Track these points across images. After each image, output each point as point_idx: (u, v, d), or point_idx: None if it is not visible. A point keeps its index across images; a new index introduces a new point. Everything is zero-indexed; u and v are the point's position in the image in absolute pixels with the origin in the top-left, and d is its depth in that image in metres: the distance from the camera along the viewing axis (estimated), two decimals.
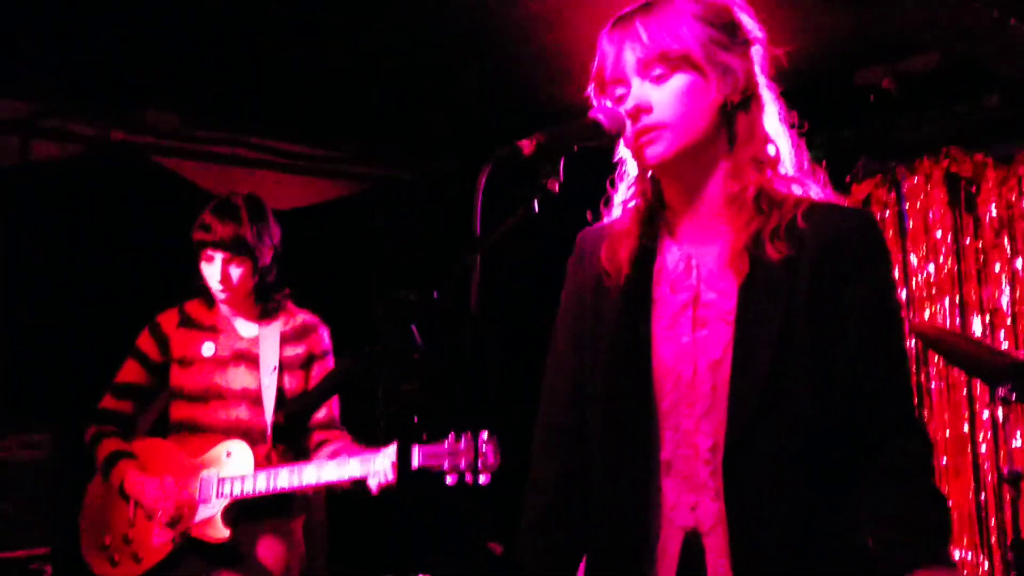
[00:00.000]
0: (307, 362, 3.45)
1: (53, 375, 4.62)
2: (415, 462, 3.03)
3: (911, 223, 4.95)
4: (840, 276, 1.65)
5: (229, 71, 4.64)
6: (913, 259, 4.91)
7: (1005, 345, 4.59)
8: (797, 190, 1.73)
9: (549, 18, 4.13)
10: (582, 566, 1.81)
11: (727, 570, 1.64)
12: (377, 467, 3.11)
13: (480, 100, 5.05)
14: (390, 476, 3.09)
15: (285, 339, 3.43)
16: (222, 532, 3.26)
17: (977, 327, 4.79)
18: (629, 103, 1.68)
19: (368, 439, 3.42)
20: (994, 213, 4.81)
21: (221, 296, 3.39)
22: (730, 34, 1.71)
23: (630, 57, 1.69)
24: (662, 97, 1.67)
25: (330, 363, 3.50)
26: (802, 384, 1.63)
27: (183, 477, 3.31)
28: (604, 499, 1.75)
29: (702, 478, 1.67)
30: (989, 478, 4.67)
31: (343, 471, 3.18)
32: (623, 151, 1.81)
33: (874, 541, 1.62)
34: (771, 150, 1.73)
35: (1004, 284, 4.78)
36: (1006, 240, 4.78)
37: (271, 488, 3.24)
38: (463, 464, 3.01)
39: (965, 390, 4.77)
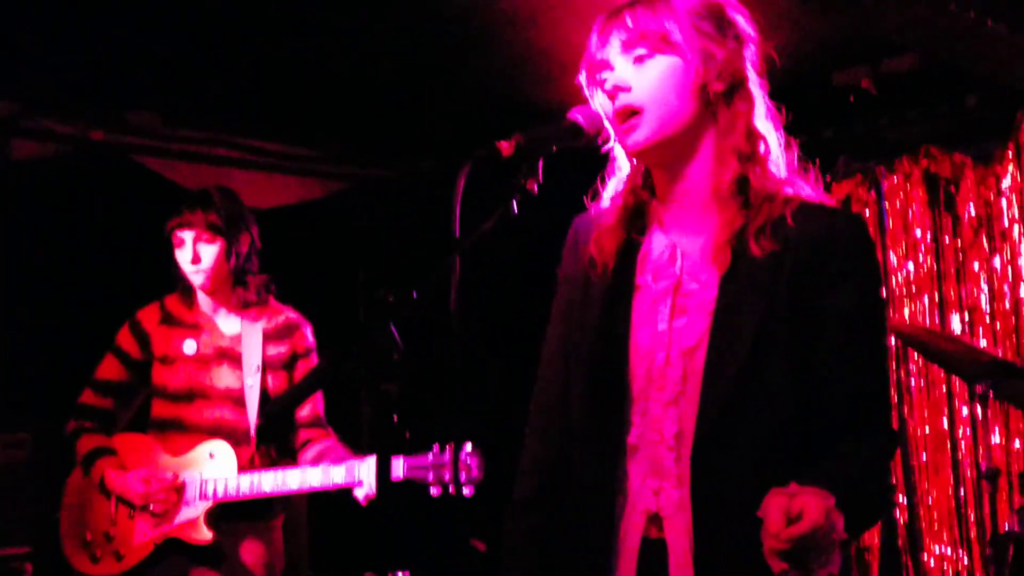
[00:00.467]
0: (291, 361, 3.44)
1: (34, 374, 4.60)
2: (400, 473, 3.03)
3: (891, 222, 4.98)
4: (825, 277, 1.67)
5: (210, 70, 4.63)
6: (893, 258, 4.95)
7: (984, 343, 4.63)
8: (788, 190, 1.74)
9: (532, 18, 4.14)
10: None
11: (687, 555, 1.65)
12: (362, 476, 3.09)
13: (463, 100, 5.06)
14: (375, 488, 3.08)
15: (268, 337, 3.42)
16: (205, 534, 3.25)
17: (956, 325, 4.82)
18: (609, 83, 1.70)
19: (352, 438, 3.42)
20: (973, 212, 4.85)
21: (196, 280, 3.36)
22: (718, 27, 1.74)
23: (615, 41, 1.72)
24: (641, 77, 1.69)
25: (314, 361, 3.48)
26: (776, 380, 1.65)
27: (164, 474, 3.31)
28: (575, 479, 1.77)
29: (666, 464, 1.68)
30: (968, 474, 4.71)
31: (327, 478, 3.17)
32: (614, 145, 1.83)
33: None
34: (759, 146, 1.74)
35: (983, 282, 4.81)
36: (984, 239, 4.82)
37: (254, 492, 3.23)
38: (447, 476, 3.02)
39: (944, 387, 4.81)
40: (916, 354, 4.75)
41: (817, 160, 1.84)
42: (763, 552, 1.46)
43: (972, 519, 4.70)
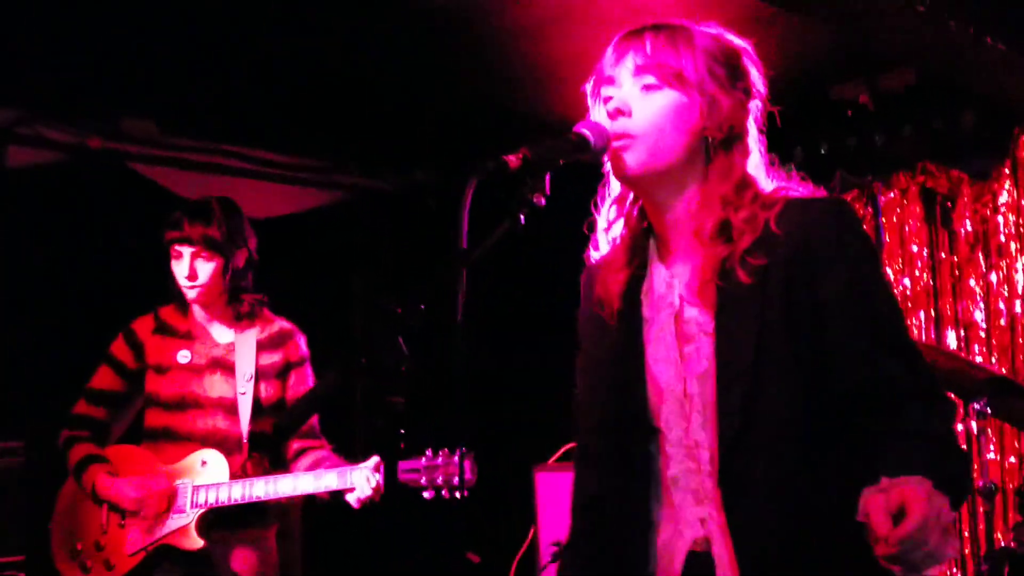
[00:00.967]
0: (284, 370, 3.44)
1: (28, 382, 4.58)
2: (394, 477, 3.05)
3: (887, 237, 4.99)
4: (813, 270, 1.66)
5: (208, 79, 4.63)
6: (889, 273, 4.96)
7: (979, 359, 4.64)
8: (772, 196, 1.74)
9: (532, 32, 4.15)
10: None
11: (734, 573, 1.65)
12: (356, 481, 3.11)
13: (461, 111, 5.06)
14: (368, 491, 3.09)
15: (261, 347, 3.42)
16: (196, 542, 3.24)
17: (952, 341, 4.84)
18: (612, 103, 1.71)
19: (345, 448, 3.41)
20: (969, 228, 4.86)
21: (190, 295, 3.36)
22: (731, 76, 1.75)
23: (629, 63, 1.72)
24: (645, 106, 1.70)
25: (307, 371, 3.49)
26: (786, 388, 1.65)
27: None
28: (613, 519, 1.77)
29: (708, 490, 1.69)
30: None
31: (320, 483, 3.18)
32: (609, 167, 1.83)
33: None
34: (747, 194, 1.73)
35: (978, 298, 4.83)
36: (980, 255, 4.84)
37: (246, 498, 3.22)
38: (440, 480, 3.05)
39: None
40: None
41: (814, 175, 1.84)
42: (871, 557, 1.41)
43: (967, 535, 4.70)
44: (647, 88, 1.71)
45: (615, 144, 1.70)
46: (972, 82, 4.31)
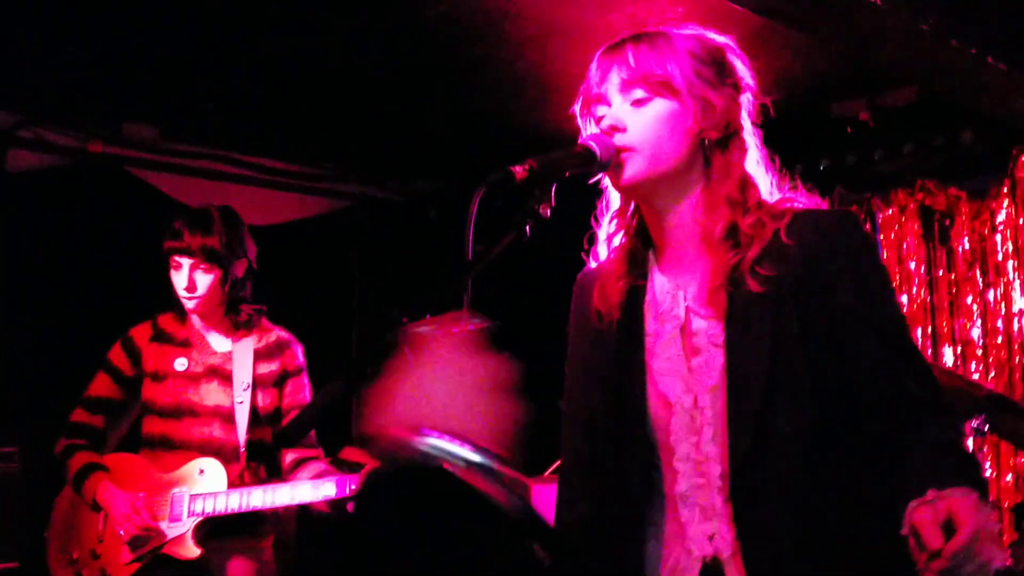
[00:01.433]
0: (280, 379, 3.44)
1: (25, 386, 4.57)
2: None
3: (885, 254, 5.00)
4: (826, 282, 1.66)
5: (209, 85, 4.64)
6: None
7: (976, 377, 4.64)
8: (780, 207, 1.74)
9: (532, 43, 4.16)
10: None
11: None
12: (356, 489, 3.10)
13: (463, 121, 5.07)
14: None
15: (259, 356, 3.41)
16: (193, 551, 3.23)
17: (949, 358, 4.84)
18: (605, 121, 1.70)
19: (337, 451, 3.41)
20: (967, 246, 4.87)
21: (188, 305, 3.36)
22: (718, 74, 1.74)
23: (615, 78, 1.71)
24: (638, 120, 1.69)
25: (304, 380, 3.48)
26: (799, 400, 1.64)
27: (154, 493, 3.28)
28: (618, 537, 1.75)
29: (717, 505, 1.67)
30: None
31: (318, 492, 3.17)
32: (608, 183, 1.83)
33: (898, 501, 1.55)
34: (750, 194, 1.74)
35: (975, 316, 4.83)
36: (978, 273, 4.85)
37: (244, 507, 3.22)
38: None
39: None
40: None
41: (813, 191, 1.84)
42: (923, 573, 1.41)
43: None
44: (637, 103, 1.70)
45: (621, 156, 1.69)
46: (972, 101, 4.32)
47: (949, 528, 1.41)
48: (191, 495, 3.26)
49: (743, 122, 1.76)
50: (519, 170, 1.56)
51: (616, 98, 1.71)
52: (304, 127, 5.21)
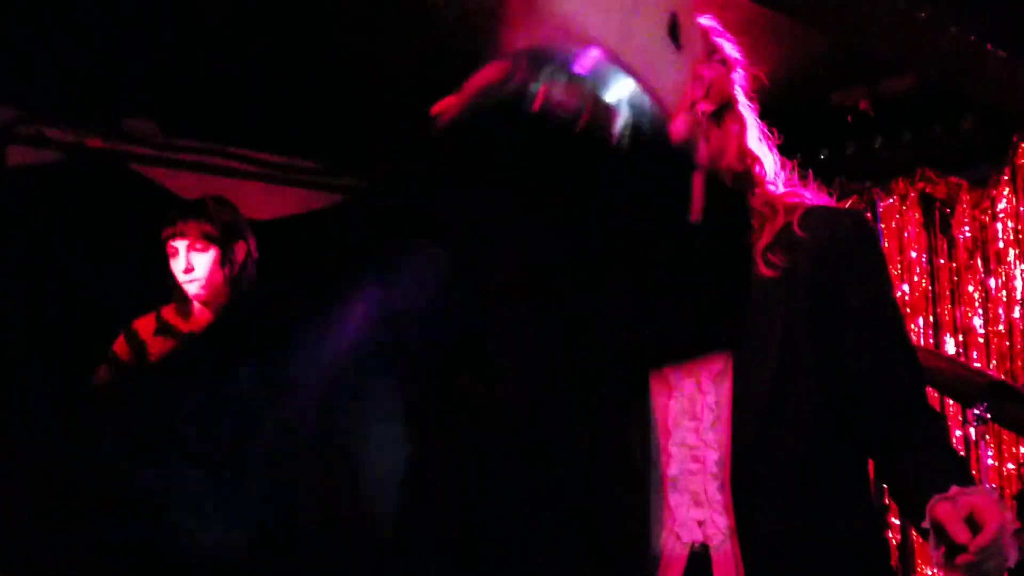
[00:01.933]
0: None
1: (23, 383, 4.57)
2: None
3: (886, 243, 5.00)
4: (838, 280, 1.68)
5: (209, 80, 4.63)
6: None
7: (977, 365, 4.64)
8: (790, 200, 1.74)
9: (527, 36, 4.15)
10: None
11: None
12: None
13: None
14: None
15: None
16: None
17: (951, 346, 4.84)
18: None
19: None
20: (968, 234, 4.87)
21: (191, 289, 3.35)
22: (704, 51, 1.73)
23: None
24: None
25: None
26: (806, 392, 1.65)
27: None
28: (605, 519, 1.74)
29: (710, 492, 1.67)
30: None
31: None
32: None
33: (906, 495, 1.65)
34: (754, 167, 1.74)
35: (977, 304, 4.83)
36: (979, 261, 4.84)
37: None
38: None
39: (938, 408, 4.81)
40: None
41: (813, 181, 1.84)
42: (945, 570, 1.46)
43: None
44: None
45: None
46: (972, 89, 4.31)
47: (974, 525, 1.45)
48: None
49: (736, 95, 1.75)
50: None
51: None
52: (304, 121, 5.20)
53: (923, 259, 4.97)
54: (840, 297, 1.67)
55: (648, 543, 1.70)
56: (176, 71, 4.51)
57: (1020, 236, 4.75)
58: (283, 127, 5.27)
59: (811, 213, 1.71)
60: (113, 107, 4.96)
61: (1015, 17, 3.86)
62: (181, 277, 3.35)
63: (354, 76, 4.62)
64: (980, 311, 4.81)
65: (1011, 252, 4.75)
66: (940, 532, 1.47)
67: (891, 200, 5.01)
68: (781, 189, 1.76)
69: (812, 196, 1.77)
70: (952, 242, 4.91)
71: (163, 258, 3.40)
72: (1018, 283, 4.74)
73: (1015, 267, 4.74)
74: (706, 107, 1.71)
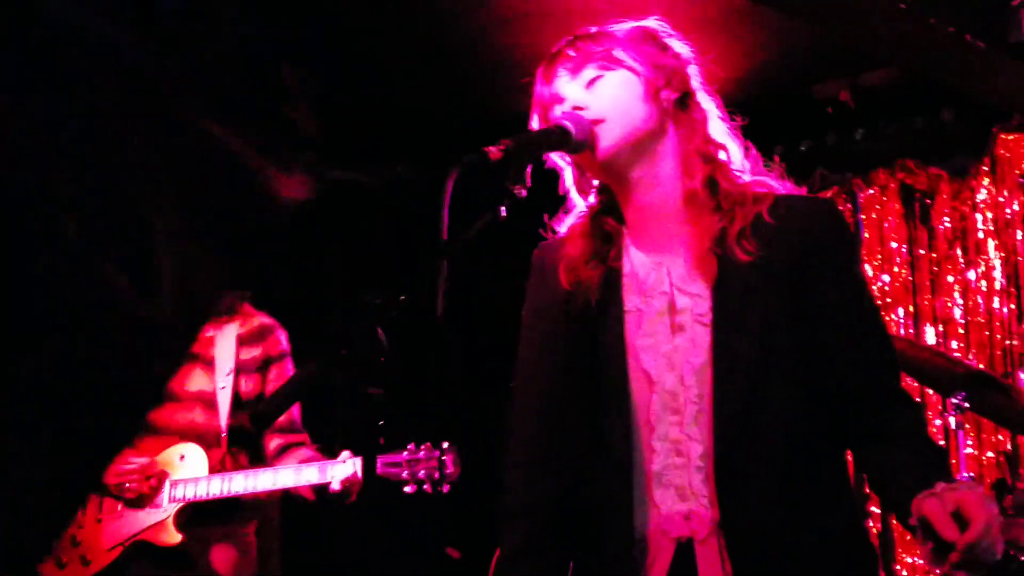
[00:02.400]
0: (264, 365, 3.43)
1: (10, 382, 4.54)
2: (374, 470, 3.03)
3: (866, 234, 5.02)
4: (814, 270, 1.68)
5: (193, 66, 4.60)
6: (868, 269, 4.98)
7: (957, 355, 4.66)
8: (758, 189, 1.74)
9: (510, 25, 4.14)
10: None
11: None
12: (336, 475, 3.08)
13: (443, 106, 5.06)
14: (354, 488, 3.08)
15: (242, 341, 3.41)
16: (174, 537, 3.22)
17: (930, 336, 4.86)
18: (565, 106, 1.71)
19: (324, 441, 3.40)
20: (947, 225, 4.89)
21: None
22: (658, 48, 1.77)
23: (562, 72, 1.74)
24: (596, 97, 1.70)
25: (288, 365, 3.47)
26: (787, 384, 1.65)
27: None
28: (591, 515, 1.74)
29: (695, 486, 1.66)
30: None
31: (300, 478, 3.16)
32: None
33: (889, 488, 1.65)
34: (719, 153, 1.75)
35: (956, 295, 4.86)
36: (959, 251, 4.87)
37: (225, 493, 3.21)
38: (422, 474, 3.02)
39: (918, 398, 4.84)
40: None
41: (794, 172, 1.85)
42: (939, 567, 1.46)
43: None
44: (590, 83, 1.72)
45: (594, 129, 1.68)
46: (952, 80, 4.33)
47: (957, 519, 1.45)
48: (172, 481, 3.25)
49: (695, 86, 1.78)
50: (494, 151, 1.55)
51: (569, 88, 1.72)
52: (285, 112, 5.18)
53: (903, 249, 4.99)
54: (817, 289, 1.68)
55: (633, 538, 1.69)
56: (165, 62, 4.48)
57: (999, 227, 4.77)
58: (262, 119, 5.25)
59: (783, 203, 1.71)
60: None
61: (994, 8, 3.88)
62: None
63: (336, 68, 4.61)
64: (960, 301, 4.84)
65: (990, 243, 4.78)
66: (927, 528, 1.47)
67: (871, 191, 5.03)
68: (748, 178, 1.77)
69: (780, 185, 1.77)
70: (932, 232, 4.94)
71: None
72: (997, 273, 4.76)
73: (994, 257, 4.77)
74: (671, 94, 1.73)
